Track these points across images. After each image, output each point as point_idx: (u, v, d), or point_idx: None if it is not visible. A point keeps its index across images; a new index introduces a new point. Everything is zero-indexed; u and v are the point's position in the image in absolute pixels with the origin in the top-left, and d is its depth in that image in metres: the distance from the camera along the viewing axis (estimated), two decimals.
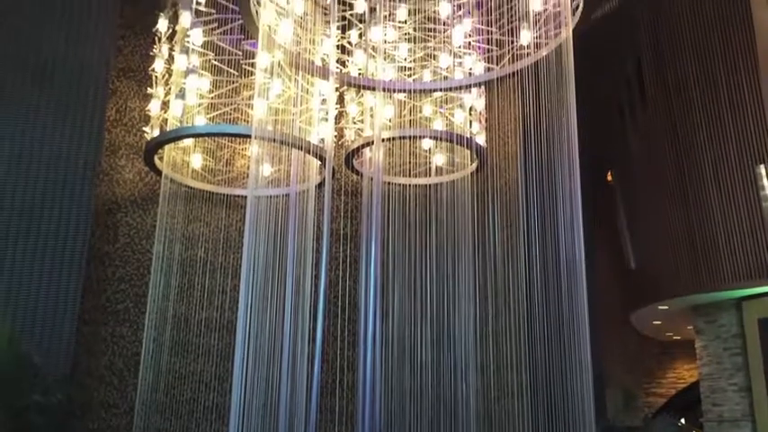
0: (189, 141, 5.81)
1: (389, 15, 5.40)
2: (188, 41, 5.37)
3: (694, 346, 8.50)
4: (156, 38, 5.72)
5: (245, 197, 5.74)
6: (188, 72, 5.34)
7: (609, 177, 10.63)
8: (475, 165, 5.99)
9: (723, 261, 7.57)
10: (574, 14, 4.09)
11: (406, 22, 5.45)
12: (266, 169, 5.66)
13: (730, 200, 7.53)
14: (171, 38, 5.66)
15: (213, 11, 5.36)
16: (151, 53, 5.79)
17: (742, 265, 7.41)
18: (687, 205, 8.00)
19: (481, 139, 6.01)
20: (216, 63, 5.49)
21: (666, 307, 8.64)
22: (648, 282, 8.81)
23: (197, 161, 5.91)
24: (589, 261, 4.08)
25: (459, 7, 5.16)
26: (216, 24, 5.41)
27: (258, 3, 4.25)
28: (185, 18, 5.41)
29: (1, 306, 5.12)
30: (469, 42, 5.27)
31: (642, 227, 9.16)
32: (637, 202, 9.29)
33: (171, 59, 5.63)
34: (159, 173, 5.82)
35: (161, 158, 5.77)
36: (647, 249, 9.04)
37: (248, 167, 5.99)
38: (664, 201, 8.34)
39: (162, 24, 5.63)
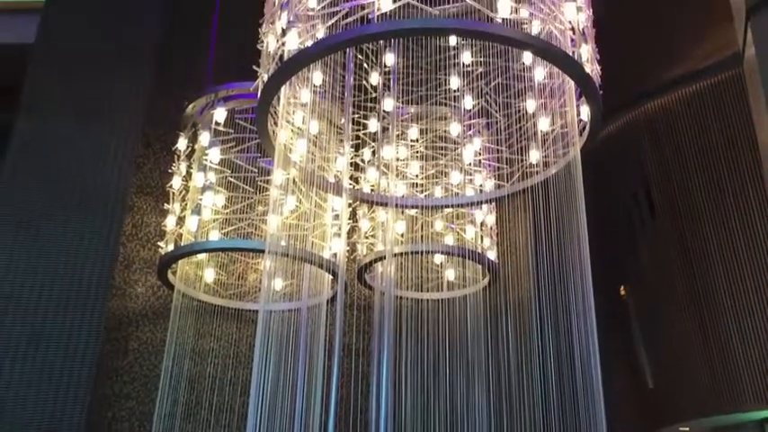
0: (202, 256, 5.86)
1: (401, 134, 5.58)
2: (206, 159, 5.53)
3: None
4: (176, 156, 5.90)
5: (257, 311, 5.72)
6: (204, 189, 5.47)
7: (622, 292, 10.55)
8: (487, 280, 5.99)
9: (743, 381, 7.38)
10: (581, 135, 4.21)
11: (417, 140, 5.62)
12: (278, 283, 5.67)
13: (746, 317, 7.44)
14: (189, 156, 5.84)
15: (231, 130, 5.55)
16: (169, 170, 5.95)
17: (762, 385, 7.22)
18: (703, 323, 7.89)
19: (492, 255, 6.04)
20: (232, 180, 5.62)
21: (687, 429, 8.35)
22: (667, 401, 8.56)
23: (210, 275, 5.94)
24: (606, 379, 3.99)
25: (470, 127, 5.34)
26: (233, 143, 5.58)
27: (275, 123, 4.40)
28: (204, 137, 5.61)
29: (5, 418, 5.01)
30: (480, 160, 5.41)
31: (659, 344, 9.00)
32: (651, 319, 9.18)
33: (188, 176, 5.78)
34: (172, 287, 5.84)
35: (174, 273, 5.80)
36: (664, 368, 8.84)
37: (260, 282, 6.01)
38: (679, 318, 8.24)
39: (181, 143, 5.83)
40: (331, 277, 5.53)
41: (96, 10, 6.76)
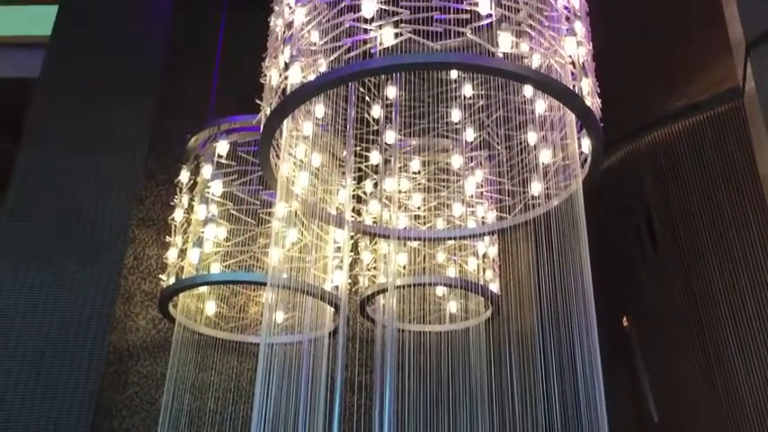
0: (204, 288, 5.84)
1: (403, 166, 5.60)
2: (208, 192, 5.54)
3: None
4: (178, 188, 5.91)
5: (258, 345, 5.67)
6: (206, 221, 5.47)
7: (625, 323, 10.47)
8: (489, 312, 5.96)
9: (748, 415, 7.30)
10: (583, 167, 4.22)
11: (419, 172, 5.63)
12: (279, 316, 5.64)
13: (751, 351, 7.37)
14: (192, 188, 5.85)
15: (234, 163, 5.57)
16: (171, 203, 5.95)
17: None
18: (707, 356, 7.82)
19: (495, 287, 6.01)
20: (234, 212, 5.62)
21: None
22: None
23: (211, 308, 5.91)
24: (611, 412, 3.95)
25: (471, 159, 5.35)
26: (236, 176, 5.60)
27: (277, 156, 4.41)
28: (207, 170, 5.62)
29: None
30: (481, 192, 5.41)
31: (663, 378, 8.92)
32: (655, 352, 9.11)
33: (190, 209, 5.79)
34: (172, 320, 5.81)
35: (175, 306, 5.78)
36: (669, 401, 8.74)
37: (262, 314, 5.97)
38: (682, 351, 8.17)
39: (184, 176, 5.85)
40: (333, 310, 5.50)
41: (99, 44, 6.85)
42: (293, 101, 3.85)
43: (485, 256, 6.00)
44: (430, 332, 6.02)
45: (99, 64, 6.71)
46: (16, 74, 7.16)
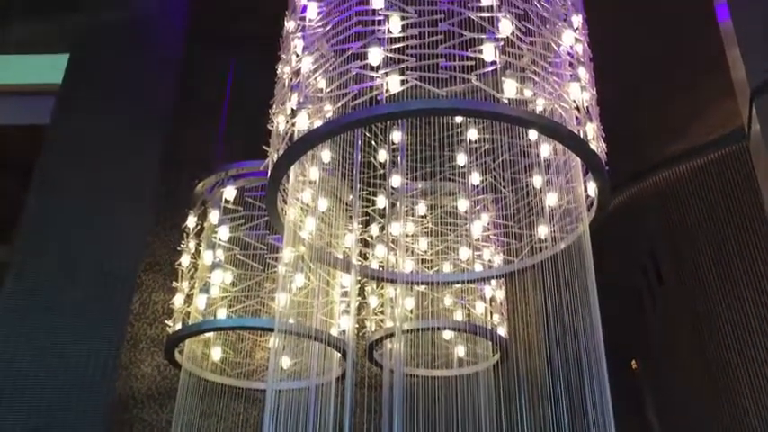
0: (210, 333, 5.81)
1: (410, 210, 5.61)
2: (215, 237, 5.55)
3: None
4: (185, 233, 5.92)
5: (264, 391, 5.62)
6: (213, 266, 5.47)
7: (633, 365, 10.38)
8: (497, 356, 5.90)
9: None
10: (589, 210, 4.22)
11: (425, 216, 5.64)
12: (285, 362, 5.59)
13: (759, 383, 7.29)
14: (199, 234, 5.86)
15: (240, 208, 5.59)
16: (178, 248, 5.96)
17: None
18: (717, 393, 7.73)
19: (502, 330, 5.97)
20: (241, 257, 5.62)
21: None
22: None
23: (217, 354, 5.86)
24: None
25: (477, 203, 5.36)
26: (243, 221, 5.61)
27: (284, 201, 4.43)
28: (214, 215, 5.64)
29: None
30: (488, 236, 5.41)
31: (673, 420, 8.80)
32: (665, 394, 9.00)
33: (197, 254, 5.79)
34: (178, 366, 5.76)
35: (181, 351, 5.74)
36: None
37: (268, 360, 5.93)
38: (692, 393, 8.08)
39: (191, 221, 5.86)
40: (339, 355, 5.45)
41: (109, 91, 6.93)
42: (301, 147, 3.89)
43: (492, 299, 5.97)
44: (438, 377, 5.96)
45: (108, 110, 6.78)
46: (28, 121, 7.25)
